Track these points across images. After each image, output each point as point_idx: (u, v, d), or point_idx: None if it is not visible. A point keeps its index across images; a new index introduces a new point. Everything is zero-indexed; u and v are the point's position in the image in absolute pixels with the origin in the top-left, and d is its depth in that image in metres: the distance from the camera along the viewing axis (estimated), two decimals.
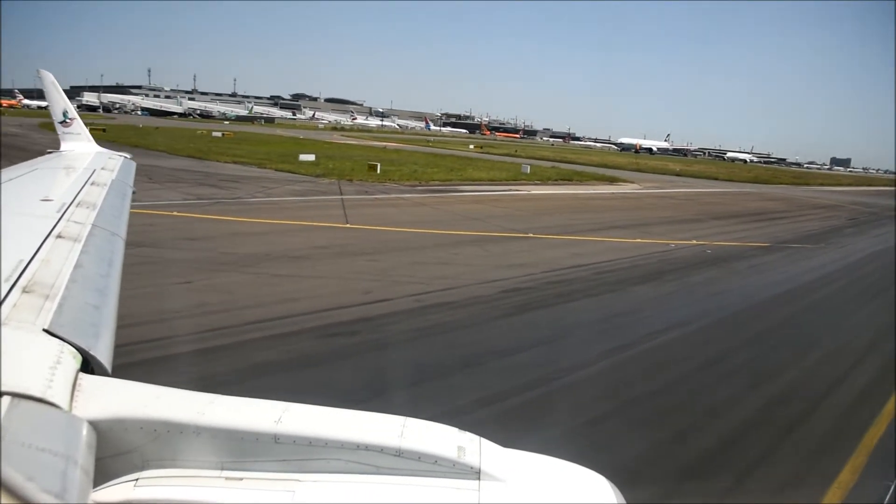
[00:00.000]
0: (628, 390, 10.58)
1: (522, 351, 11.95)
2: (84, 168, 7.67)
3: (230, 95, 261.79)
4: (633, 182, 61.40)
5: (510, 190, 43.63)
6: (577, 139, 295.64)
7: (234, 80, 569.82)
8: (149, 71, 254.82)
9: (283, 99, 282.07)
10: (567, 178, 57.26)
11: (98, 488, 2.08)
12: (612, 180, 61.45)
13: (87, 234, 4.24)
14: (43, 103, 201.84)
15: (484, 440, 2.40)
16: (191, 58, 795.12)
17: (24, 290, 2.88)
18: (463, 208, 31.42)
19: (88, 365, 2.54)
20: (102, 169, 7.65)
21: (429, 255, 19.24)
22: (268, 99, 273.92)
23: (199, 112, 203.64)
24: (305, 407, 2.39)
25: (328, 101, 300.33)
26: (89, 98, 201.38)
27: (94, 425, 2.11)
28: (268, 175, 41.94)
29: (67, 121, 10.13)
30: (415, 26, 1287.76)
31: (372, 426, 2.36)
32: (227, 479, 2.21)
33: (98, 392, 2.27)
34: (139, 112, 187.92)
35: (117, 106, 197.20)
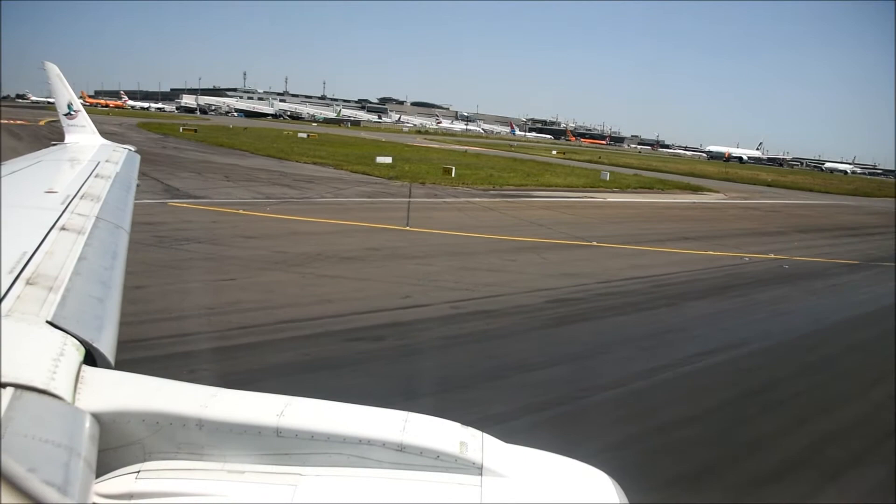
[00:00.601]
0: (656, 416, 9.77)
1: (552, 366, 11.31)
2: (88, 160, 7.72)
3: (319, 98, 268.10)
4: (718, 192, 58.93)
5: (585, 197, 42.59)
6: (666, 147, 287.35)
7: (324, 83, 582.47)
8: (244, 74, 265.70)
9: (371, 102, 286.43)
10: (647, 187, 55.49)
11: (100, 480, 2.08)
12: (695, 189, 59.17)
13: (91, 227, 4.25)
14: (146, 104, 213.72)
15: (486, 435, 2.39)
16: (284, 61, 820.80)
17: (28, 282, 2.89)
18: (531, 214, 30.75)
19: (92, 357, 2.54)
20: (107, 161, 7.73)
21: (481, 261, 18.76)
22: (356, 102, 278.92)
23: (289, 114, 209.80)
24: (308, 401, 2.41)
25: (414, 104, 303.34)
26: (187, 100, 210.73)
27: (97, 417, 2.12)
28: (342, 176, 42.42)
29: (72, 113, 10.26)
30: (503, 30, 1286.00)
31: (374, 421, 2.36)
32: (228, 472, 2.21)
33: (101, 384, 2.28)
34: (235, 114, 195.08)
35: (213, 108, 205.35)
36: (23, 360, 2.16)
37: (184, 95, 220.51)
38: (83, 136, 10.24)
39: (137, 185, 7.35)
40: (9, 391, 1.90)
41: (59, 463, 1.74)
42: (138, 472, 2.18)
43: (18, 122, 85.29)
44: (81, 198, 5.07)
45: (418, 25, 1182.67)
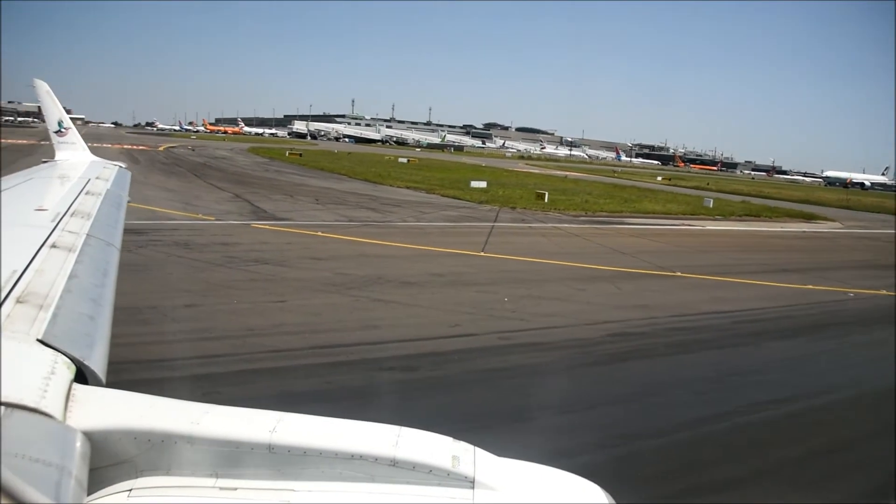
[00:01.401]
0: (694, 475, 8.49)
1: (588, 408, 10.24)
2: (79, 177, 7.65)
3: (425, 124, 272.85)
4: (833, 220, 54.88)
5: (682, 224, 40.51)
6: (783, 172, 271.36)
7: (430, 109, 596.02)
8: (352, 101, 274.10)
9: (475, 128, 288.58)
10: (754, 214, 52.26)
11: (92, 498, 2.08)
12: (808, 217, 55.26)
13: (82, 244, 4.24)
14: (260, 130, 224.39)
15: (478, 449, 2.40)
16: (391, 88, 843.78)
17: (18, 300, 2.87)
18: (618, 241, 29.40)
19: (83, 375, 2.51)
20: (97, 178, 7.65)
21: (548, 290, 17.81)
22: (460, 128, 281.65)
23: (395, 139, 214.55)
24: (300, 416, 2.39)
25: (519, 130, 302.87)
26: (299, 126, 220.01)
27: (88, 435, 2.10)
28: (431, 200, 42.39)
29: (63, 130, 10.24)
30: (611, 55, 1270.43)
31: (366, 436, 2.35)
32: (221, 488, 2.21)
33: (92, 402, 2.26)
34: (346, 139, 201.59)
35: (322, 133, 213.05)
36: (13, 378, 2.13)
37: (295, 121, 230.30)
38: (74, 154, 10.21)
39: (128, 202, 7.24)
40: None
41: (50, 482, 1.72)
42: (130, 490, 2.17)
43: (140, 147, 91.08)
44: (72, 215, 5.02)
45: (524, 51, 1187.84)
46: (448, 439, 2.44)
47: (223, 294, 15.13)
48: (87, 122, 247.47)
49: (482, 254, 23.01)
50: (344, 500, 2.21)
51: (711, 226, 41.43)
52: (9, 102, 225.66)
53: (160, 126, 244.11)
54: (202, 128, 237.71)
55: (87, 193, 6.31)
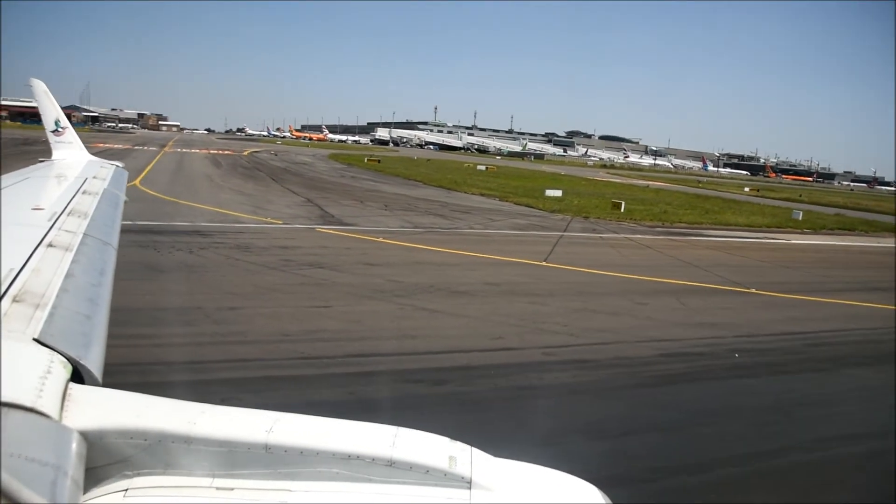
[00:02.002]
0: None
1: (625, 434, 9.36)
2: (76, 177, 7.59)
3: (506, 132, 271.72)
4: None
5: (765, 238, 38.38)
6: (886, 184, 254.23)
7: (512, 116, 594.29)
8: (435, 108, 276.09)
9: (557, 136, 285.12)
10: (847, 228, 49.20)
11: (87, 499, 2.08)
12: None
13: (79, 244, 4.20)
14: (344, 137, 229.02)
15: (475, 450, 2.38)
16: (474, 95, 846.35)
17: (15, 300, 2.86)
18: (693, 254, 27.98)
19: (79, 374, 2.49)
20: (94, 178, 7.51)
21: (606, 303, 16.93)
22: (542, 136, 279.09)
23: (476, 147, 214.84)
24: (297, 416, 2.39)
25: (602, 138, 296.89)
26: (382, 133, 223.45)
27: (85, 435, 2.09)
28: (503, 208, 41.79)
29: (60, 130, 10.12)
30: (699, 62, 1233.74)
31: (363, 436, 2.35)
32: (217, 488, 2.20)
33: (88, 402, 2.25)
34: (431, 147, 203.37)
35: (404, 140, 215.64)
36: (9, 377, 2.11)
37: (378, 128, 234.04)
38: (71, 153, 10.08)
39: (125, 202, 7.11)
40: None
41: (46, 481, 1.72)
42: (126, 489, 2.17)
43: (226, 152, 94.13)
44: (69, 214, 4.96)
45: (609, 59, 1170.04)
46: (445, 440, 2.42)
47: (269, 298, 15.02)
48: (182, 129, 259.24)
49: (544, 263, 22.25)
50: (341, 501, 2.20)
51: (798, 240, 39.14)
52: (112, 110, 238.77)
53: (249, 132, 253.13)
54: (288, 134, 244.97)
55: (84, 193, 6.26)
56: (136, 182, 40.04)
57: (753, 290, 20.44)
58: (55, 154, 9.94)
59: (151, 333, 12.01)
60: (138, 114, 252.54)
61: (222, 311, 13.75)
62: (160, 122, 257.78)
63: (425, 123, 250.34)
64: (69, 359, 2.49)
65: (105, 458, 2.17)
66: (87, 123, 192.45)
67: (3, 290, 2.94)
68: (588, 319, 15.10)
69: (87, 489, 2.05)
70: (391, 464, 2.25)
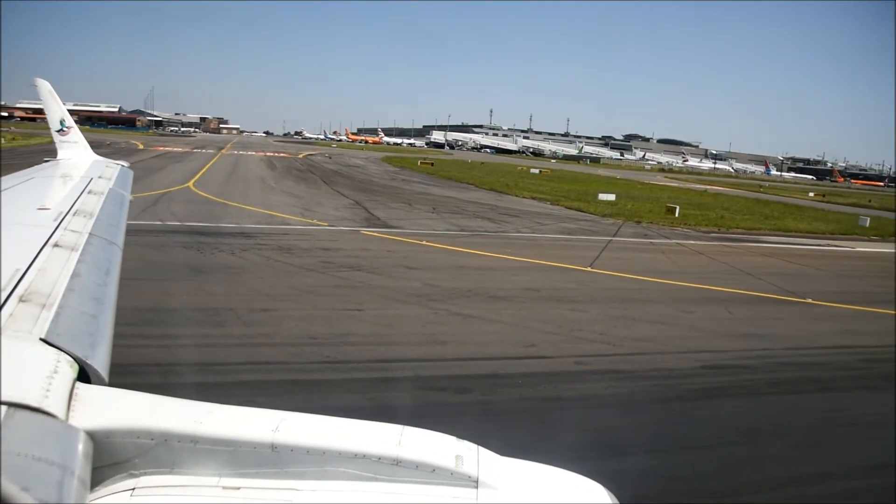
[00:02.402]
0: None
1: (653, 452, 8.79)
2: (81, 176, 7.57)
3: (562, 135, 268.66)
4: None
5: (828, 245, 36.82)
6: None
7: (568, 120, 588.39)
8: (491, 111, 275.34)
9: (615, 139, 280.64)
10: None
11: (94, 498, 2.08)
12: None
13: (84, 243, 4.19)
14: (399, 140, 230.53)
15: (482, 449, 2.38)
16: (529, 99, 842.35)
17: (21, 299, 2.85)
18: (747, 261, 26.94)
19: (86, 374, 2.49)
20: (99, 177, 7.50)
21: (649, 311, 16.32)
22: (598, 139, 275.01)
23: (531, 150, 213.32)
24: (303, 416, 2.39)
25: (661, 141, 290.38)
26: (437, 136, 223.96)
27: (91, 435, 2.10)
28: (553, 211, 41.19)
29: (65, 129, 10.06)
30: (761, 63, 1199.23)
31: (370, 435, 2.35)
32: (224, 487, 2.20)
33: (95, 401, 2.26)
34: (488, 150, 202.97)
35: (460, 143, 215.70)
36: (16, 377, 2.13)
37: (434, 132, 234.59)
38: (76, 152, 10.04)
39: (130, 201, 7.06)
40: (2, 409, 1.88)
41: (52, 481, 1.73)
42: (133, 489, 2.17)
43: (282, 154, 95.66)
44: (74, 214, 4.95)
45: (668, 61, 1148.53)
46: (452, 438, 2.42)
47: (303, 300, 14.95)
48: (242, 132, 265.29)
49: (589, 269, 21.70)
50: (347, 500, 2.19)
51: (864, 247, 37.41)
52: (175, 114, 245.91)
53: (307, 135, 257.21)
54: (344, 137, 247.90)
55: (89, 192, 6.24)
56: (190, 184, 40.91)
57: (809, 301, 19.48)
58: (60, 154, 9.93)
59: (180, 334, 12.06)
60: (200, 117, 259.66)
61: (254, 312, 13.71)
62: (221, 126, 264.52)
63: (480, 127, 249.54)
64: (76, 358, 2.49)
65: (111, 457, 2.17)
66: (150, 127, 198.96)
67: (10, 290, 2.95)
68: (628, 328, 14.55)
69: (93, 488, 2.07)
70: (397, 463, 2.25)
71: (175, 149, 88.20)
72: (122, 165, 9.13)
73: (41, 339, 2.53)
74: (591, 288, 18.78)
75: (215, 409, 2.37)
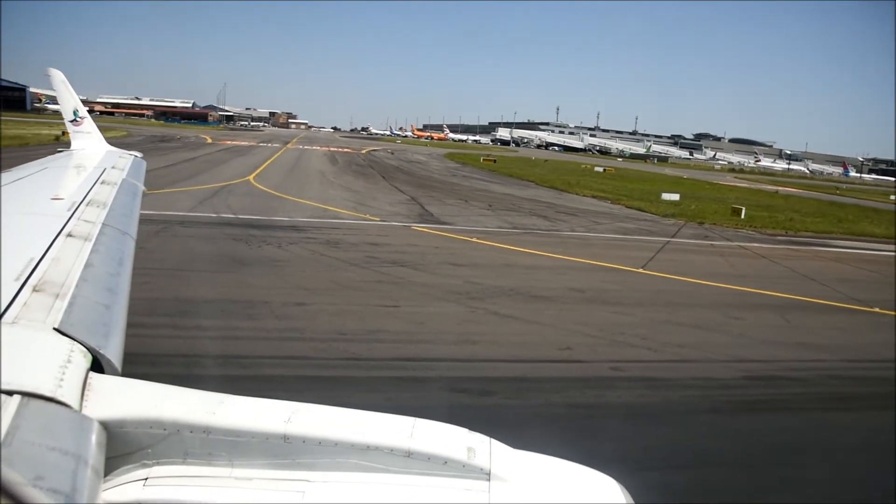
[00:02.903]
0: None
1: (680, 468, 8.21)
2: (94, 167, 7.58)
3: (630, 133, 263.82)
4: None
5: None
6: None
7: (636, 118, 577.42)
8: (557, 109, 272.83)
9: (684, 138, 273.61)
10: None
11: (107, 488, 2.09)
12: None
13: (98, 233, 4.22)
14: (464, 136, 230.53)
15: (494, 441, 2.38)
16: (597, 97, 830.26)
17: (35, 289, 2.88)
18: (813, 266, 25.67)
19: (99, 364, 2.51)
20: (113, 168, 7.50)
21: (698, 316, 15.61)
22: (668, 138, 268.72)
23: (598, 148, 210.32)
24: (315, 407, 2.39)
25: (733, 141, 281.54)
26: (502, 133, 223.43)
27: (104, 425, 2.11)
28: (612, 210, 40.31)
29: (78, 119, 10.08)
30: (840, 60, 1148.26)
31: (382, 427, 2.34)
32: (236, 478, 2.21)
33: (108, 391, 2.28)
34: (556, 148, 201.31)
35: (525, 140, 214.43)
36: (30, 367, 2.17)
37: (499, 128, 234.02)
38: (89, 143, 10.07)
39: (143, 192, 7.01)
40: (16, 399, 1.90)
41: (66, 471, 1.74)
42: (146, 479, 2.18)
43: (345, 150, 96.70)
44: (87, 204, 5.00)
45: (741, 60, 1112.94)
46: (464, 431, 2.39)
47: (340, 295, 14.88)
48: (310, 127, 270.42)
49: (640, 270, 21.01)
50: (359, 491, 2.19)
51: None
52: (246, 109, 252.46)
53: (373, 131, 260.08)
54: (410, 133, 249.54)
55: (102, 183, 6.27)
56: (251, 177, 41.68)
57: (876, 309, 18.34)
58: (74, 144, 10.01)
59: (210, 325, 12.12)
60: (270, 112, 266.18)
61: (289, 306, 13.71)
62: (290, 121, 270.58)
63: (546, 124, 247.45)
64: (89, 348, 2.50)
65: (125, 447, 2.18)
66: (221, 122, 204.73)
67: (24, 280, 2.96)
68: (672, 333, 13.94)
69: (106, 478, 2.08)
70: (409, 455, 2.24)
71: (242, 143, 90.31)
72: (136, 156, 9.17)
73: (55, 329, 2.54)
74: (639, 290, 18.14)
75: (228, 399, 2.36)
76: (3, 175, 5.78)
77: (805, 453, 9.20)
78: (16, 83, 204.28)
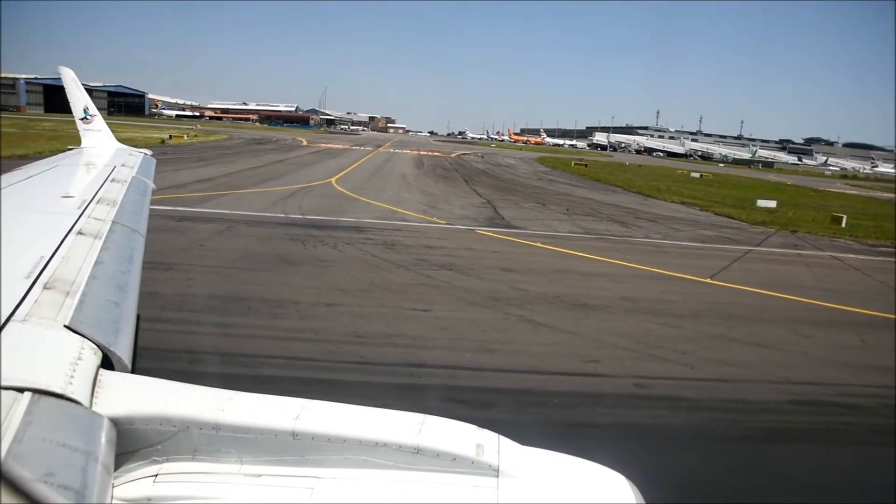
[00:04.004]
0: None
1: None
2: (104, 165, 7.68)
3: (735, 138, 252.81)
4: None
5: None
6: None
7: (741, 122, 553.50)
8: (657, 112, 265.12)
9: (793, 143, 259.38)
10: None
11: (117, 484, 2.11)
12: None
13: (108, 231, 4.29)
14: (560, 141, 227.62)
15: (503, 438, 2.38)
16: (699, 100, 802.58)
17: (46, 287, 2.90)
18: None
19: (109, 361, 2.53)
20: (122, 165, 7.61)
21: (757, 332, 14.24)
22: (775, 143, 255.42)
23: (699, 153, 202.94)
24: (324, 404, 2.41)
25: (847, 145, 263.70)
26: (599, 138, 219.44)
27: (115, 421, 2.13)
28: (698, 218, 38.38)
29: (88, 117, 10.08)
30: None
31: (390, 423, 2.36)
32: (245, 475, 2.22)
33: (118, 388, 2.29)
34: (661, 154, 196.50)
35: (622, 145, 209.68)
36: (41, 364, 2.18)
37: (596, 133, 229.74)
38: (100, 141, 10.12)
39: (153, 189, 7.09)
40: (27, 395, 1.92)
41: (76, 467, 1.75)
42: (156, 475, 2.19)
43: (435, 153, 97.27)
44: (98, 202, 5.08)
45: (854, 59, 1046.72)
46: (472, 427, 2.40)
47: (374, 296, 14.56)
48: (408, 131, 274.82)
49: (708, 280, 19.67)
50: (367, 488, 2.20)
51: None
52: (347, 113, 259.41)
53: (470, 135, 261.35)
54: (507, 137, 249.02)
55: (112, 180, 6.34)
56: (332, 179, 42.30)
57: None
58: (84, 142, 10.10)
59: (231, 322, 12.05)
60: (369, 117, 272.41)
61: (317, 306, 13.49)
62: (388, 125, 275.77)
63: (645, 128, 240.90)
64: (99, 345, 2.52)
65: (134, 444, 2.19)
66: (321, 125, 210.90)
67: (35, 277, 2.99)
68: (720, 349, 12.78)
69: (116, 475, 2.09)
70: (418, 451, 2.24)
71: (335, 146, 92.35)
72: (145, 153, 9.19)
73: (65, 326, 2.56)
74: (698, 301, 16.91)
75: (237, 396, 2.36)
76: (15, 173, 5.88)
77: (835, 491, 7.99)
78: (136, 90, 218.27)
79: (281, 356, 10.56)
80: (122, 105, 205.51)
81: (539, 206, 36.99)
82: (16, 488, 1.51)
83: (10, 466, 1.58)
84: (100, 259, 3.60)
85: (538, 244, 23.88)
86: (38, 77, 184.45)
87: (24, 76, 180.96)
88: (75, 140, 10.32)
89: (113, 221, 4.55)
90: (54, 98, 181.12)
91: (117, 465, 2.08)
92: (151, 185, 7.17)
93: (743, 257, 25.03)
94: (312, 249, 19.44)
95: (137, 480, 2.17)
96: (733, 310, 16.27)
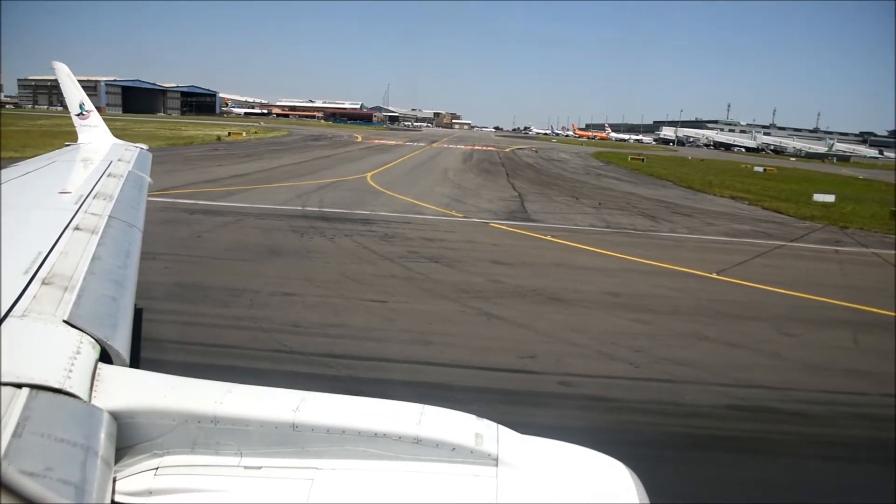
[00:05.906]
0: None
1: None
2: (101, 160, 7.80)
3: (811, 131, 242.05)
4: None
5: None
6: None
7: (818, 114, 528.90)
8: (728, 106, 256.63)
9: (876, 135, 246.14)
10: None
11: (118, 478, 2.11)
12: None
13: (105, 226, 4.34)
14: (626, 136, 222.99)
15: (502, 427, 2.38)
16: (772, 93, 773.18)
17: (44, 282, 2.94)
18: None
19: (107, 355, 2.56)
20: (119, 160, 7.69)
21: (737, 330, 13.23)
22: (855, 135, 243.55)
23: (772, 147, 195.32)
24: (323, 395, 2.41)
25: None
26: (666, 132, 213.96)
27: (114, 415, 2.15)
28: (741, 212, 36.76)
29: (84, 113, 10.16)
30: None
31: (390, 414, 2.36)
32: (245, 467, 2.22)
33: (117, 382, 2.32)
34: (743, 150, 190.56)
35: (691, 139, 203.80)
36: (40, 359, 2.21)
37: (664, 127, 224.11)
38: (96, 136, 10.14)
39: (149, 184, 7.17)
40: (25, 390, 1.92)
41: (76, 462, 1.76)
42: (156, 468, 2.19)
43: (489, 148, 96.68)
44: (94, 197, 5.15)
45: None
46: (471, 417, 2.39)
47: (338, 287, 14.36)
48: (473, 127, 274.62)
49: (713, 276, 18.65)
50: (367, 478, 2.20)
51: None
52: (412, 110, 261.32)
53: (535, 130, 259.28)
54: (572, 133, 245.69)
55: (109, 175, 6.41)
56: (368, 174, 42.41)
57: None
58: (81, 137, 10.20)
59: (179, 310, 12.13)
60: (434, 113, 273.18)
61: (275, 296, 13.37)
62: (453, 121, 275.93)
63: (715, 122, 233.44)
64: (97, 340, 2.54)
65: (134, 437, 2.20)
66: (384, 122, 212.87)
67: (33, 273, 3.01)
68: (682, 348, 11.97)
69: (117, 469, 2.09)
70: (417, 441, 2.24)
71: (388, 142, 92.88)
72: (141, 148, 9.32)
73: (64, 321, 2.57)
74: (689, 297, 16.00)
75: (235, 388, 2.37)
76: (12, 170, 5.98)
77: None
78: (207, 90, 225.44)
79: (200, 343, 10.47)
80: (195, 104, 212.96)
81: (571, 200, 36.17)
82: (8, 488, 1.52)
83: (8, 469, 1.56)
84: (97, 254, 3.63)
85: (548, 237, 23.25)
86: (117, 79, 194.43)
87: (104, 78, 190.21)
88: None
89: (109, 216, 4.58)
90: (131, 99, 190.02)
91: (117, 460, 2.08)
92: (148, 180, 7.26)
93: (769, 252, 23.74)
94: (307, 241, 19.41)
95: (138, 474, 2.17)
96: (723, 307, 15.33)
